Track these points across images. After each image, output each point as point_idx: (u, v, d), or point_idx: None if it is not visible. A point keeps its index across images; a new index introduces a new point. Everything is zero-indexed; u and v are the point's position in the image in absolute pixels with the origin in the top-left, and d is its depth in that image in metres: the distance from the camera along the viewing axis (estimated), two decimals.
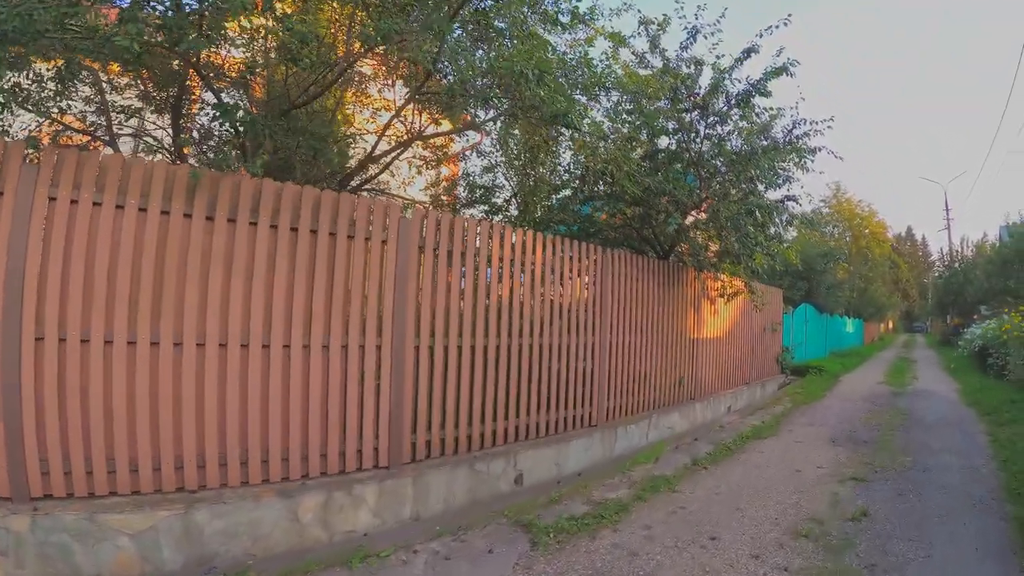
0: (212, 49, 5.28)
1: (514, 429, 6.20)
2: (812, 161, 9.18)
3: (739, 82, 8.09)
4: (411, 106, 8.14)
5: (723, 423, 9.22)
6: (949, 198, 53.04)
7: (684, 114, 8.20)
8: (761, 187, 8.79)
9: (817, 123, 8.91)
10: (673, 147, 8.90)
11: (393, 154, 7.63)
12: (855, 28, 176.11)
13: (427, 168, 11.49)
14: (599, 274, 7.52)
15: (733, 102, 8.04)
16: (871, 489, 5.83)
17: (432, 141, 10.54)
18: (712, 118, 8.27)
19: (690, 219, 8.78)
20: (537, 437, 6.46)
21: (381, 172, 9.53)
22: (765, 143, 8.60)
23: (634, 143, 9.12)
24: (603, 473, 6.46)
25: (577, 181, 9.01)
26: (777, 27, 7.73)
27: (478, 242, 5.97)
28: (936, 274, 44.49)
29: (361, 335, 4.84)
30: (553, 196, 10.37)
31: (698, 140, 8.43)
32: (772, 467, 6.69)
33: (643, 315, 8.31)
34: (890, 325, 60.10)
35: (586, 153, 7.45)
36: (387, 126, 7.35)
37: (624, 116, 8.61)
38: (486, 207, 10.91)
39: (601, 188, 9.54)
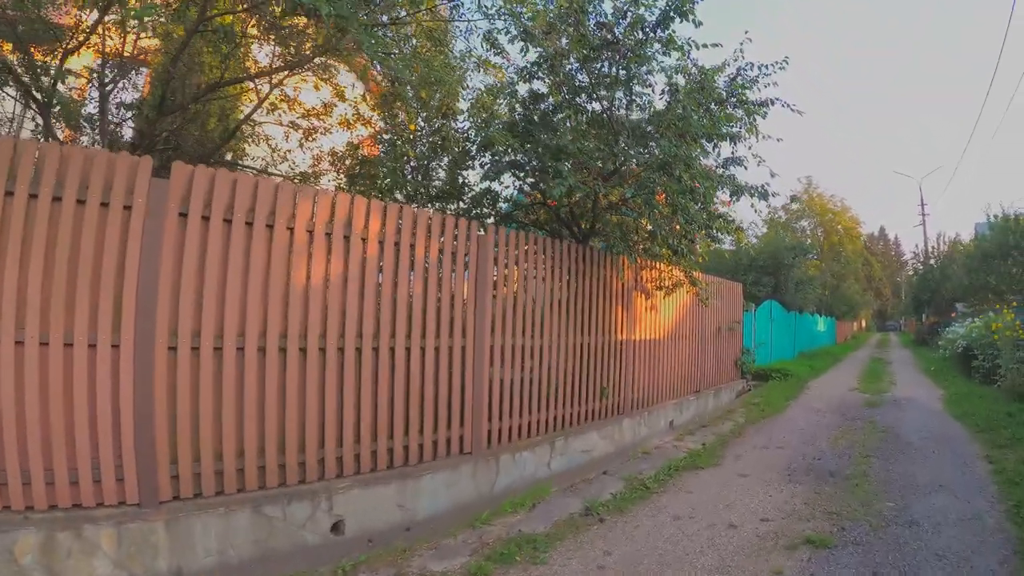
0: None
1: (335, 460, 4.42)
2: (763, 116, 7.34)
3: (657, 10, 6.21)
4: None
5: (655, 446, 7.30)
6: (924, 194, 51.90)
7: (594, 55, 6.30)
8: (694, 149, 6.90)
9: (767, 67, 7.08)
10: (575, 97, 7.01)
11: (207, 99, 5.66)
12: (848, 17, 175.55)
13: (307, 140, 9.67)
14: (477, 258, 5.65)
15: (648, 30, 6.11)
16: (834, 562, 3.90)
17: (303, 105, 8.72)
18: (627, 60, 6.37)
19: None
20: (375, 470, 4.66)
21: (231, 136, 7.64)
22: (701, 95, 6.74)
23: (546, 99, 7.29)
24: (458, 521, 4.53)
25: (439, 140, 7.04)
26: None
27: (275, 209, 4.16)
28: (910, 272, 43.23)
29: (91, 330, 3.51)
30: (460, 171, 8.50)
31: (610, 85, 6.52)
32: (698, 520, 4.74)
33: (548, 312, 6.45)
34: (863, 323, 59.24)
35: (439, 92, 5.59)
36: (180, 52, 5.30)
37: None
38: (377, 183, 9.03)
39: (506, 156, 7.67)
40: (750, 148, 7.53)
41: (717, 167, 7.31)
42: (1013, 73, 57.48)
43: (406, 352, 4.92)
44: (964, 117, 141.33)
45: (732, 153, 7.51)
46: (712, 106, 6.73)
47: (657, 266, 8.37)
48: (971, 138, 40.70)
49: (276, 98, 8.49)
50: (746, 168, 7.32)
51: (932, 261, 31.71)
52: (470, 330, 5.52)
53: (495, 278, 5.86)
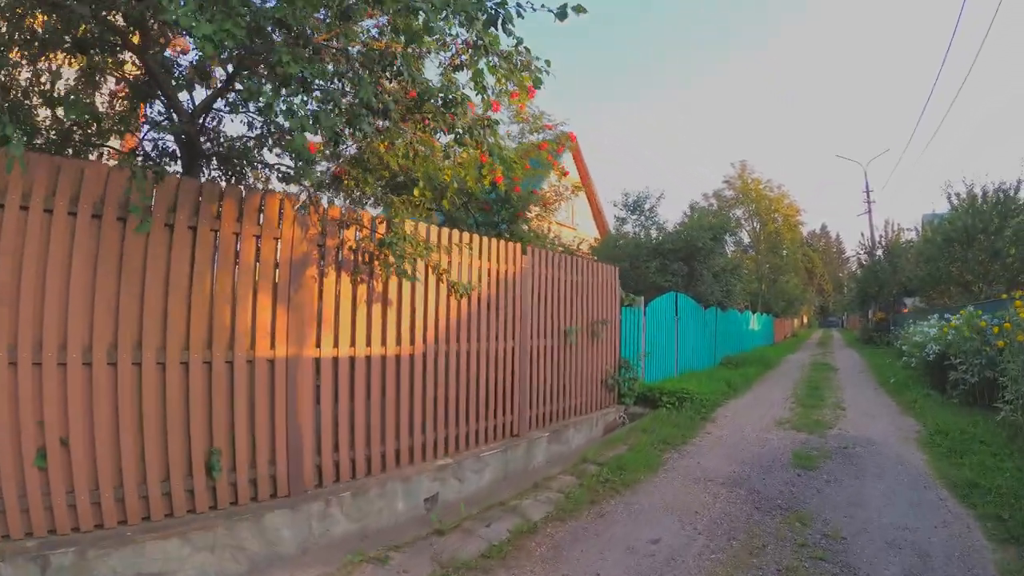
0: None
1: None
2: None
3: None
4: None
5: None
6: (870, 182, 48.90)
7: None
8: None
9: None
10: None
11: None
12: (852, 14, 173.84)
13: None
14: None
15: None
16: None
17: None
18: None
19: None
20: None
21: None
22: None
23: None
24: None
25: None
26: None
27: None
28: (853, 266, 40.06)
29: None
30: None
31: None
32: None
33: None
34: (804, 320, 56.50)
35: None
36: None
37: None
38: None
39: None
40: None
41: None
42: (966, 55, 55.38)
43: None
44: (912, 102, 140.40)
45: None
46: None
47: (359, 216, 4.03)
48: (920, 119, 38.09)
49: None
50: None
51: (879, 252, 28.22)
52: None
53: None
